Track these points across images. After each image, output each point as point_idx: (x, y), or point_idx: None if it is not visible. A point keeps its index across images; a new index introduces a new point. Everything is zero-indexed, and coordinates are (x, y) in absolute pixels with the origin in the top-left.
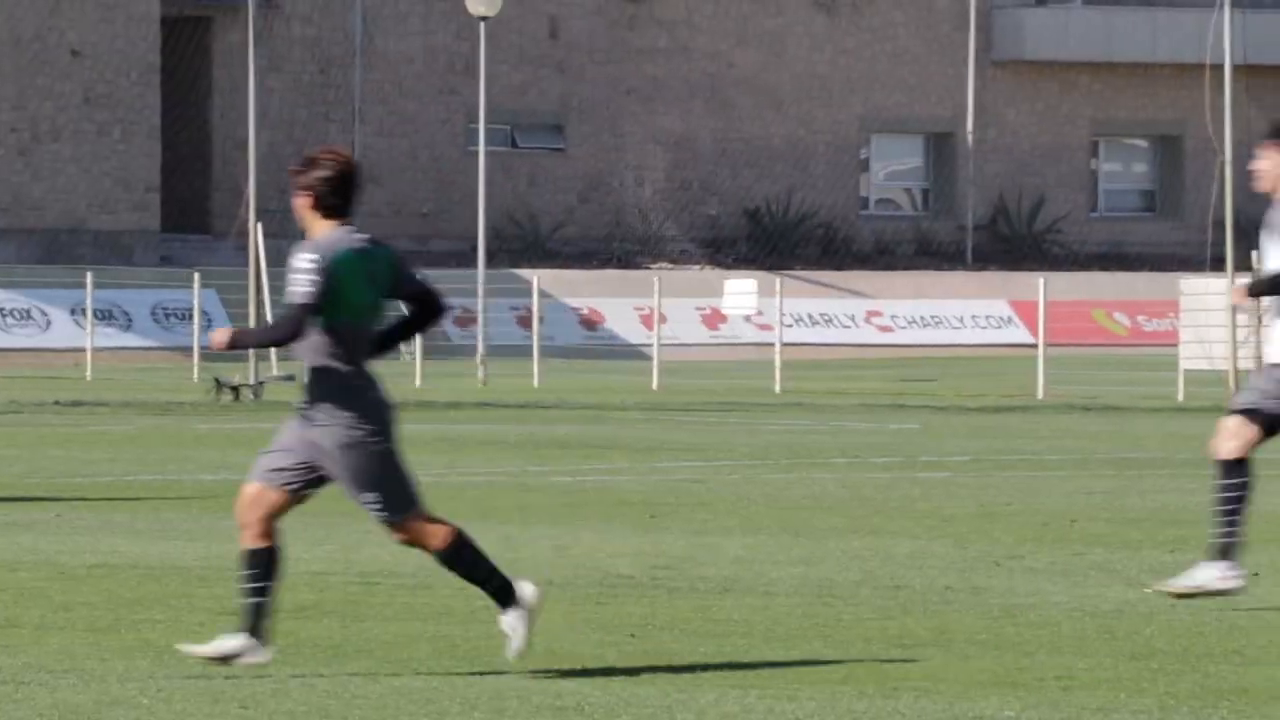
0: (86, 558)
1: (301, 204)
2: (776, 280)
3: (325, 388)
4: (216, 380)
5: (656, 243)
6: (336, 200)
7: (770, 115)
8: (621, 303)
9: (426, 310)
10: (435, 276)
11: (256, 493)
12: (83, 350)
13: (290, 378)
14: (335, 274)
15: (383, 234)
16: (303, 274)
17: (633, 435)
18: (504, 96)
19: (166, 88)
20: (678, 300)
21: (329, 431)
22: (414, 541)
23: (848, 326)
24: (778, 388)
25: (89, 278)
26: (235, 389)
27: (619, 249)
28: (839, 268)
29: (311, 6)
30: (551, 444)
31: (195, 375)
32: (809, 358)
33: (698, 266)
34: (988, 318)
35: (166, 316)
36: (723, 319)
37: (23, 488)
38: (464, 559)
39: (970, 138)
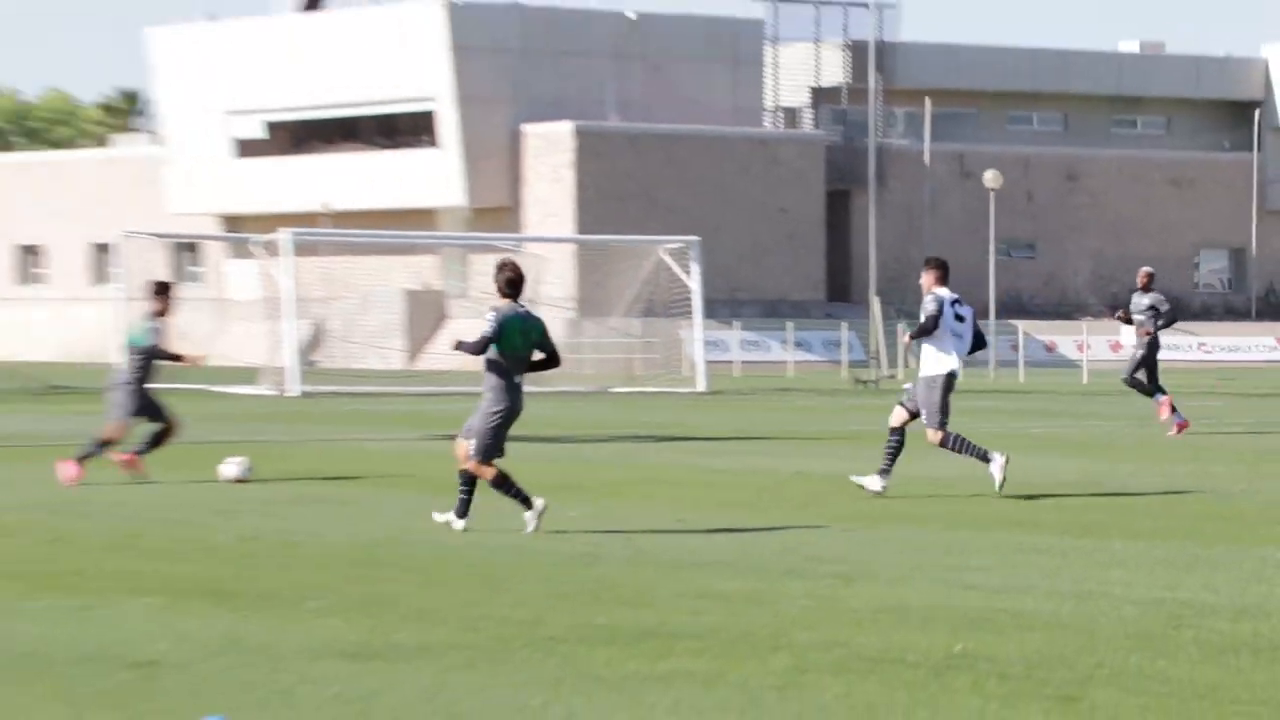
0: (791, 470)
1: (496, 289)
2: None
3: (489, 383)
4: (855, 378)
5: (1083, 306)
6: (510, 290)
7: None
8: (1066, 338)
9: (549, 360)
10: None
11: (462, 445)
12: (786, 363)
13: (892, 376)
14: (504, 325)
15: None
16: (489, 322)
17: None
18: (998, 229)
19: (828, 226)
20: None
21: (479, 406)
22: (477, 474)
23: None
24: None
25: (789, 325)
26: (865, 383)
27: (1060, 309)
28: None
29: (904, 184)
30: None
31: (843, 375)
32: None
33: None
34: None
35: (829, 345)
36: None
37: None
38: (504, 489)
39: None
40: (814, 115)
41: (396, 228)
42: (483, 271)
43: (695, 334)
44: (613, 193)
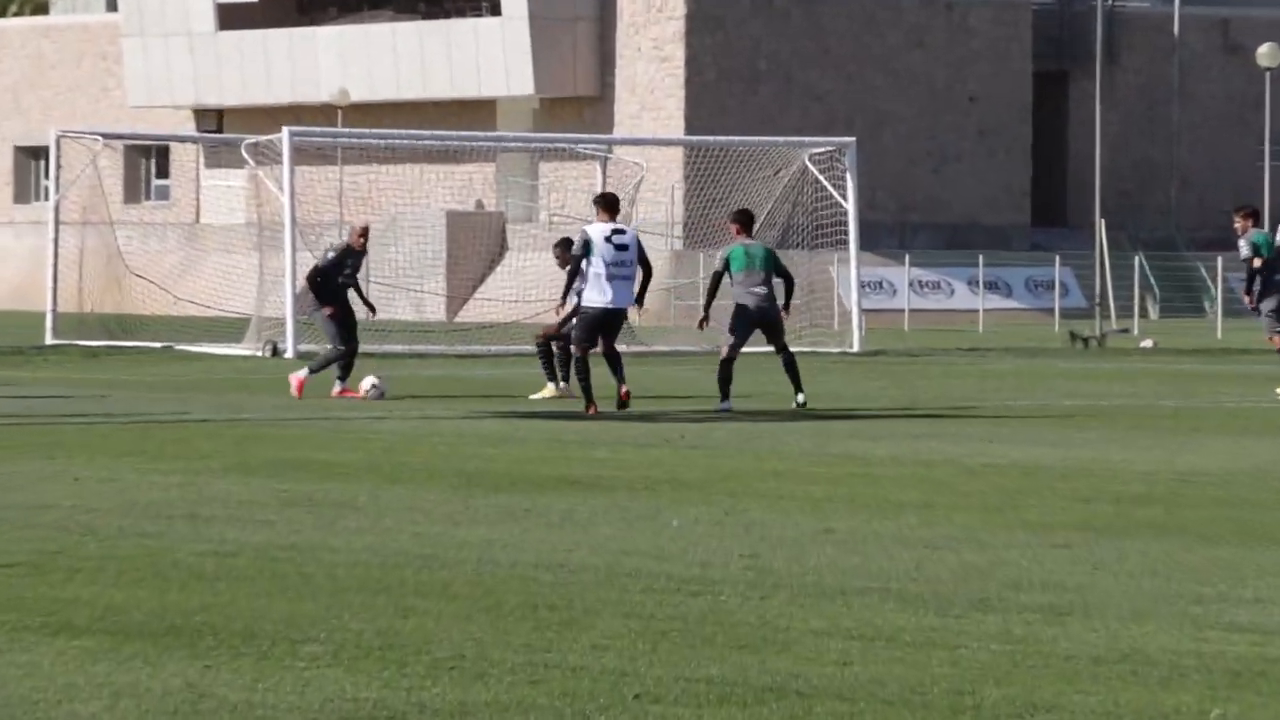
0: (979, 459)
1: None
2: None
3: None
4: (1071, 333)
5: None
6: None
7: None
8: None
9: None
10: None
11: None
12: (975, 311)
13: (1125, 331)
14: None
15: (1191, 224)
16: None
17: None
18: (1275, 123)
19: (1035, 120)
20: None
21: None
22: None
23: None
24: None
25: (980, 259)
26: (1085, 340)
27: None
28: None
29: (1143, 61)
30: None
31: (1056, 329)
32: None
33: None
34: None
35: (1036, 287)
36: None
37: (933, 405)
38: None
39: None
40: None
41: (439, 126)
42: (558, 186)
43: (850, 272)
44: (737, 75)
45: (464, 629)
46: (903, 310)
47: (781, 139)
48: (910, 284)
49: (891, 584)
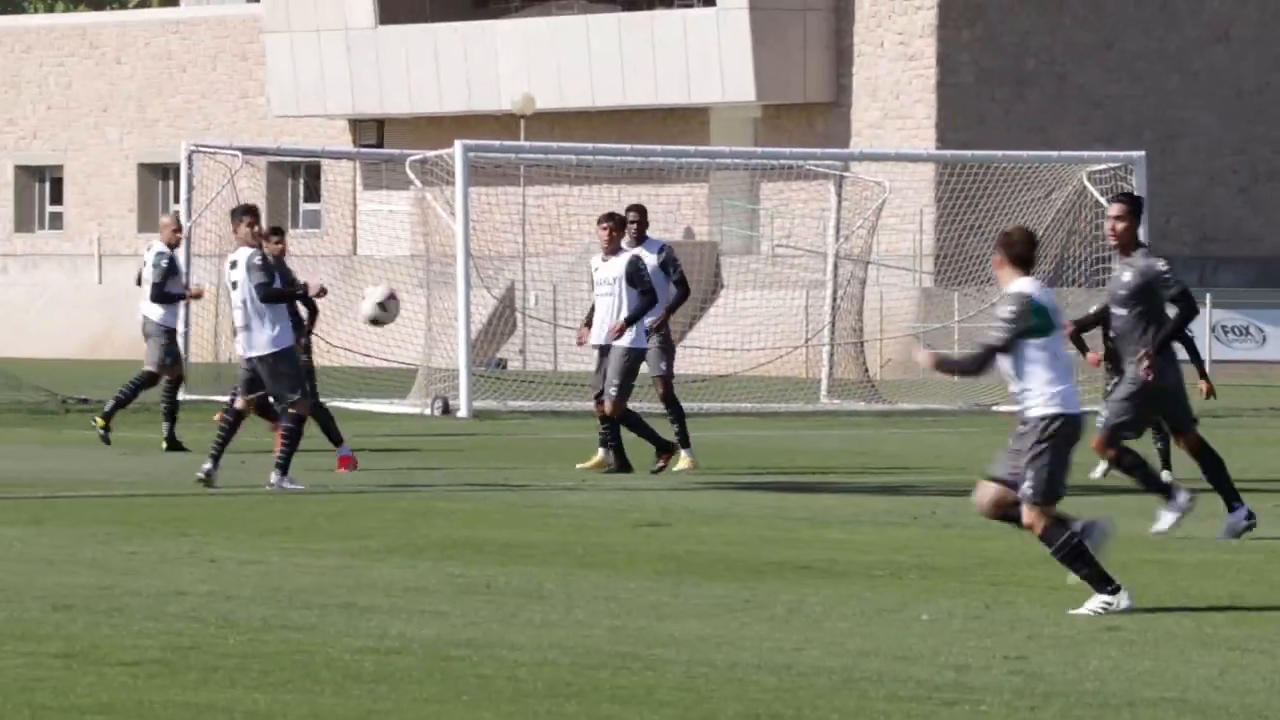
0: None
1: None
2: None
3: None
4: None
5: None
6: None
7: None
8: None
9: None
10: None
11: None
12: None
13: None
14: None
15: None
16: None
17: None
18: None
19: None
20: None
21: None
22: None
23: None
24: None
25: None
26: None
27: None
28: None
29: None
30: None
31: None
32: None
33: None
34: None
35: None
36: None
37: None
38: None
39: None
40: None
41: (641, 139)
42: (783, 210)
43: None
44: (998, 76)
45: None
46: (1203, 360)
47: (1054, 153)
48: (1212, 329)
49: (1189, 693)
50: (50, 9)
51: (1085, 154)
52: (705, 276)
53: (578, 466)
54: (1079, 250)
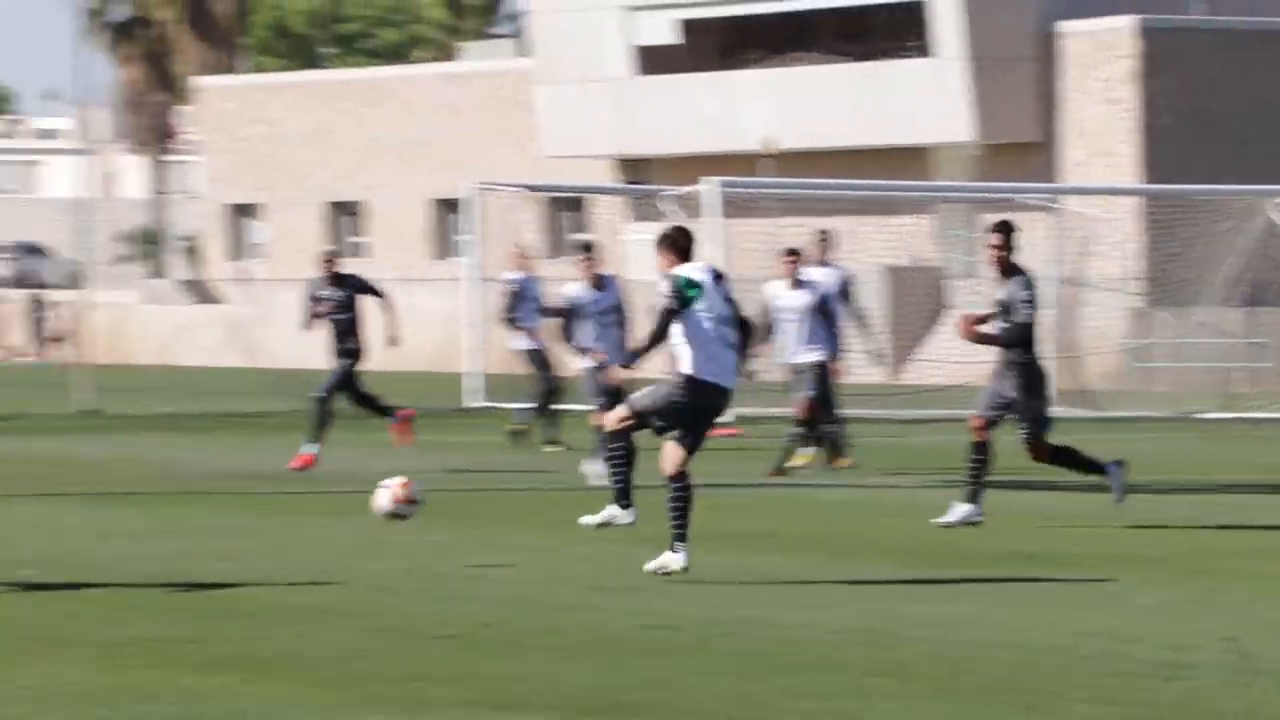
0: None
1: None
2: None
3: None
4: None
5: None
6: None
7: None
8: None
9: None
10: None
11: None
12: None
13: None
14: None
15: None
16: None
17: None
18: None
19: None
20: None
21: None
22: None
23: None
24: None
25: None
26: None
27: None
28: None
29: None
30: None
31: None
32: None
33: None
34: None
35: None
36: None
37: None
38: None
39: None
40: None
41: (870, 175)
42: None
43: None
44: (1196, 118)
45: (927, 710)
46: None
47: (1248, 188)
48: None
49: None
50: (344, 63)
51: (1270, 188)
52: (931, 297)
53: (788, 465)
54: (1274, 272)
